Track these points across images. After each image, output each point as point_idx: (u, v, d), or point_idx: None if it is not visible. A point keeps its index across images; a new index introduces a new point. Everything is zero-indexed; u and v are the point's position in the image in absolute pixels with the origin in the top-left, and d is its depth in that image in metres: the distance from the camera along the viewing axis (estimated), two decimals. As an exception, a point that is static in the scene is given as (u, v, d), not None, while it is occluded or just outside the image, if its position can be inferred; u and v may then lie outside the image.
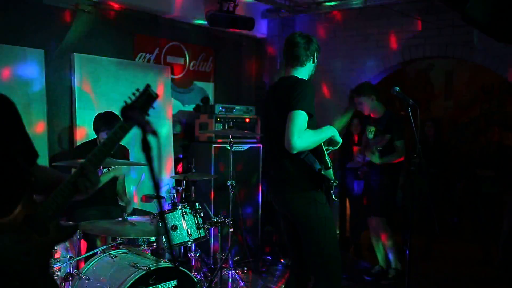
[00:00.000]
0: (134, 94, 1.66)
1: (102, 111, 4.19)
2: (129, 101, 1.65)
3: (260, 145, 5.76)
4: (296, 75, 3.06)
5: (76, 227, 1.92)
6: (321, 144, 2.98)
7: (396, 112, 4.86)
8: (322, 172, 2.92)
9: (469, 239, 6.68)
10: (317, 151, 2.95)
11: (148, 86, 1.69)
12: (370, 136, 4.89)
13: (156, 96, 1.69)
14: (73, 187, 1.73)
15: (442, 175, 6.06)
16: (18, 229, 1.66)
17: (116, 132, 1.71)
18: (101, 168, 3.95)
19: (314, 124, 2.96)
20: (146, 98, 1.67)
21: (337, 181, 3.01)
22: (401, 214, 6.05)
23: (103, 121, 4.04)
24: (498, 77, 5.56)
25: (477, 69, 7.25)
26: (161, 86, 5.42)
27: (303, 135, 2.80)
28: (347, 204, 6.40)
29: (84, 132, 4.66)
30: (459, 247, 6.65)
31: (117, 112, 4.03)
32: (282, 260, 5.58)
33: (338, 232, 6.38)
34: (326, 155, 3.00)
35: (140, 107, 1.67)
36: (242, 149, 5.61)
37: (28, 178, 1.78)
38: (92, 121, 4.16)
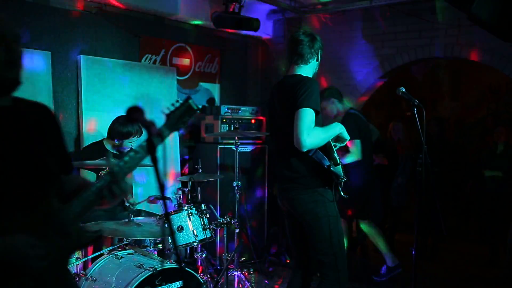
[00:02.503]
0: (173, 104, 1.67)
1: (116, 119, 4.15)
2: (167, 111, 1.66)
3: (266, 145, 5.77)
4: (300, 73, 3.06)
5: (99, 233, 1.86)
6: (329, 141, 2.98)
7: (355, 112, 4.83)
8: (331, 168, 2.92)
9: (476, 240, 6.65)
10: (325, 148, 2.96)
11: (189, 97, 1.71)
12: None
13: (197, 109, 1.70)
14: (100, 193, 1.69)
15: (449, 175, 6.04)
16: (38, 229, 1.62)
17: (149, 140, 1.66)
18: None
19: (319, 121, 2.96)
20: (186, 109, 1.68)
21: (345, 178, 3.00)
22: (396, 214, 6.04)
23: (128, 127, 4.02)
24: (505, 77, 5.54)
25: (484, 69, 7.23)
26: (167, 88, 5.43)
27: (312, 133, 2.80)
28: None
29: (91, 133, 4.68)
30: (466, 247, 6.62)
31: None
32: (288, 261, 5.58)
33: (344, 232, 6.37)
34: (335, 151, 3.00)
35: (178, 117, 1.68)
36: (248, 150, 5.62)
37: (55, 180, 1.77)
38: (112, 130, 4.11)
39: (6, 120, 1.67)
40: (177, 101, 1.67)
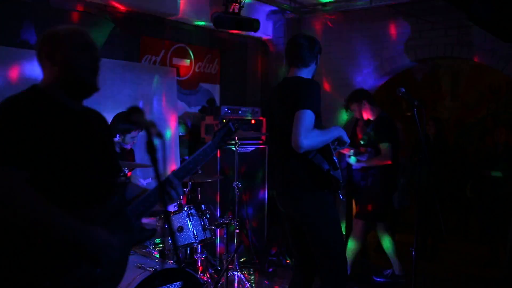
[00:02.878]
0: (216, 126, 2.00)
1: (116, 114, 4.16)
2: (212, 137, 2.07)
3: (266, 146, 5.77)
4: (300, 76, 3.06)
5: (154, 231, 2.09)
6: (328, 144, 2.98)
7: (386, 115, 4.82)
8: (331, 172, 2.92)
9: (476, 240, 6.65)
10: (325, 151, 2.95)
11: (229, 120, 2.09)
12: (362, 142, 4.90)
13: (235, 130, 2.09)
14: (158, 196, 1.92)
15: (449, 175, 6.04)
16: (109, 222, 1.81)
17: (205, 150, 2.01)
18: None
19: (319, 123, 2.96)
20: (227, 131, 2.08)
21: (344, 182, 3.01)
22: (399, 215, 6.04)
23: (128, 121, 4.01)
24: (505, 77, 5.54)
25: (484, 69, 7.24)
26: (167, 88, 5.43)
27: (310, 134, 2.80)
28: (354, 205, 6.38)
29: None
30: (466, 247, 6.62)
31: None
32: (288, 261, 5.58)
33: (344, 233, 6.37)
34: (334, 155, 3.00)
35: (221, 137, 2.06)
36: (248, 150, 5.62)
37: (118, 178, 2.00)
38: (112, 125, 4.13)
39: (80, 124, 1.85)
40: (218, 123, 1.94)
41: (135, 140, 4.19)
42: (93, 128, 1.92)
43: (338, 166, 2.98)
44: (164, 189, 1.86)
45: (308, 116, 2.81)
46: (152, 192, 1.94)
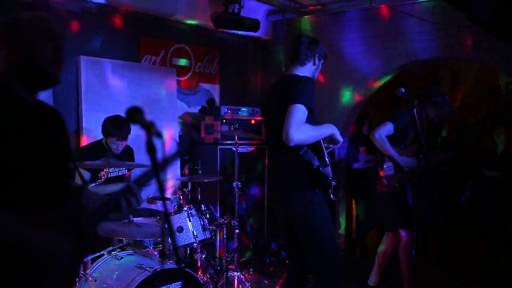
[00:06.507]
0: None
1: (111, 115, 4.17)
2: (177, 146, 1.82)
3: (266, 146, 5.77)
4: (296, 74, 3.07)
5: (111, 241, 1.96)
6: (320, 141, 2.97)
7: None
8: (320, 169, 2.90)
9: (476, 240, 6.66)
10: (316, 148, 2.94)
11: (190, 133, 1.84)
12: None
13: (198, 142, 1.83)
14: (117, 203, 1.81)
15: (449, 175, 6.04)
16: (62, 228, 1.69)
17: (168, 157, 1.80)
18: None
19: (314, 121, 2.95)
20: (191, 143, 1.84)
21: (336, 180, 2.95)
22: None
23: (113, 126, 4.03)
24: (505, 77, 5.54)
25: (484, 69, 7.24)
26: (167, 88, 5.44)
27: (301, 128, 2.79)
28: (353, 205, 6.39)
29: (91, 134, 4.69)
30: (466, 247, 6.62)
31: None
32: (287, 261, 5.57)
33: (344, 233, 6.37)
34: (326, 153, 2.98)
35: (183, 149, 1.83)
36: (248, 151, 5.62)
37: (73, 179, 1.88)
38: (102, 124, 4.15)
39: (34, 118, 1.71)
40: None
41: (117, 150, 4.09)
42: (48, 124, 1.77)
43: (328, 163, 2.96)
44: (131, 193, 1.75)
45: (299, 110, 2.80)
46: (110, 199, 1.82)
